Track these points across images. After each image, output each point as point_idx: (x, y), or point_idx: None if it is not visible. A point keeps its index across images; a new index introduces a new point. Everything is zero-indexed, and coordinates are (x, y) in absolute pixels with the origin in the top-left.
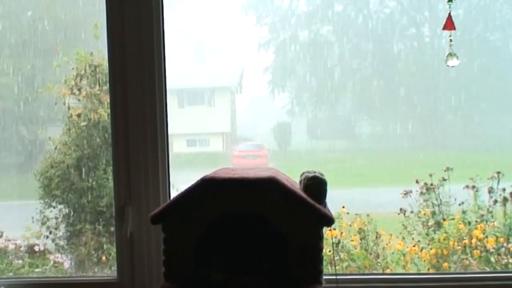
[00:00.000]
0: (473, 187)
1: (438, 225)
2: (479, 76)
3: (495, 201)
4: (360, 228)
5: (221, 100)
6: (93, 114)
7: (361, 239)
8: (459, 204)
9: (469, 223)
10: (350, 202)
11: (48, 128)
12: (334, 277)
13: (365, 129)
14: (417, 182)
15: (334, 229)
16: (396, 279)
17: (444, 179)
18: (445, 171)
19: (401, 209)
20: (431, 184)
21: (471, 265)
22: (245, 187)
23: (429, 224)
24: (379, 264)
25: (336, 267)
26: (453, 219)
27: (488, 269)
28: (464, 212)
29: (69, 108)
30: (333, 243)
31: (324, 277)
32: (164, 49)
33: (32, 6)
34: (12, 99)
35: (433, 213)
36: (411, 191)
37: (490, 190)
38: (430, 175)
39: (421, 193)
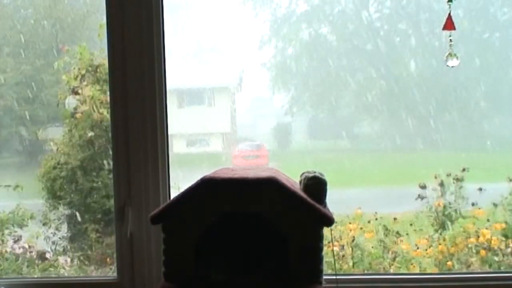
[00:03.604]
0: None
1: (450, 220)
2: (478, 76)
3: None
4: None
5: (221, 100)
6: (97, 114)
7: (380, 238)
8: (472, 204)
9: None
10: (350, 202)
11: (50, 128)
12: (334, 277)
13: (365, 129)
14: (435, 177)
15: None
16: (397, 279)
17: (458, 179)
18: (462, 171)
19: (419, 195)
20: (442, 183)
21: (474, 265)
22: (245, 187)
23: (438, 222)
24: (387, 262)
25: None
26: (468, 217)
27: (491, 269)
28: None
29: (70, 108)
30: (333, 242)
31: (324, 277)
32: (164, 49)
33: (33, 5)
34: (13, 99)
35: (444, 207)
36: (425, 186)
37: None
38: (449, 175)
39: (434, 189)
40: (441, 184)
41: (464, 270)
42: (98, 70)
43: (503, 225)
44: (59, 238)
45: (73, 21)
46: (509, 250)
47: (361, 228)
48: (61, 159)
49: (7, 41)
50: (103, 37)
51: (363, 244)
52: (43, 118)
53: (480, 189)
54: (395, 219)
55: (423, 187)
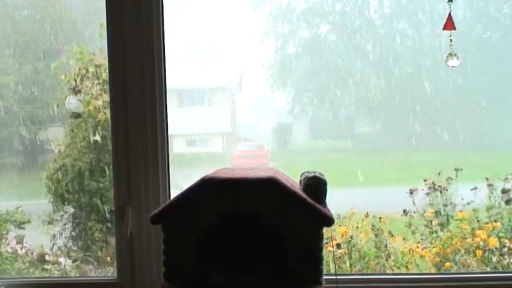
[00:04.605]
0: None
1: (442, 225)
2: (479, 76)
3: (508, 201)
4: (368, 228)
5: (221, 100)
6: (100, 114)
7: (376, 236)
8: (467, 204)
9: (478, 221)
10: (350, 202)
11: (50, 128)
12: (334, 277)
13: (365, 129)
14: (425, 180)
15: (340, 225)
16: (396, 279)
17: (451, 178)
18: (456, 170)
19: (404, 210)
20: (435, 185)
21: (472, 265)
22: (245, 187)
23: (433, 223)
24: (382, 263)
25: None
26: (463, 219)
27: (489, 269)
28: (475, 210)
29: (71, 107)
30: (333, 242)
31: (324, 277)
32: (164, 49)
33: (33, 5)
34: (13, 99)
35: (438, 213)
36: (416, 189)
37: (504, 191)
38: (439, 173)
39: (427, 193)
40: (440, 185)
41: (463, 270)
42: (98, 70)
43: (498, 225)
44: (64, 238)
45: (73, 21)
46: (505, 249)
47: (356, 228)
48: (66, 160)
49: (7, 42)
50: (104, 37)
51: (360, 245)
52: (43, 118)
53: (476, 188)
54: (381, 218)
55: (415, 189)
